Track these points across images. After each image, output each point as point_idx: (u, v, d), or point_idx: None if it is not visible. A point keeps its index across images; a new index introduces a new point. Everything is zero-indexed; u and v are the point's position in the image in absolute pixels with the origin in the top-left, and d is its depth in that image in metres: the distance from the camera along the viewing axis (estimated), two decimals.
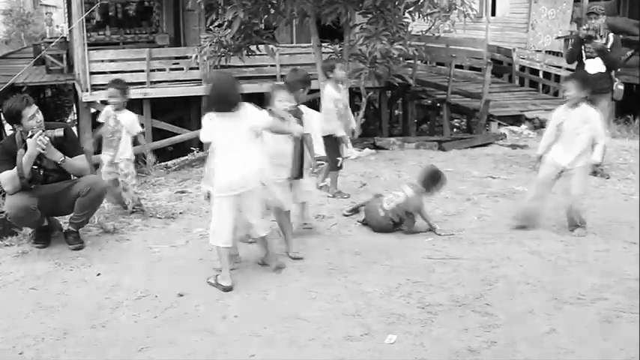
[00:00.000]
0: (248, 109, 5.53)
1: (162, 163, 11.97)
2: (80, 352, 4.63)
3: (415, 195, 6.92)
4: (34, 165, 6.19)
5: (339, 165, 8.36)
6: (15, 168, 6.16)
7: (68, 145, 6.40)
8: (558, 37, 19.26)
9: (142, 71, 15.68)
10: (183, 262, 6.17)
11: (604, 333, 4.90)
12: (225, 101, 5.42)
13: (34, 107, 6.22)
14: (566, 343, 4.75)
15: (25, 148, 6.13)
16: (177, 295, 5.45)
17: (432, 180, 7.03)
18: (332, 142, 8.32)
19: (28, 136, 6.12)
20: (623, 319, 5.10)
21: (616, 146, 11.50)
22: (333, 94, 8.24)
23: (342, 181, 9.04)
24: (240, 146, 5.45)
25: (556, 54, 18.83)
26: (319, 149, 11.28)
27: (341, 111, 8.33)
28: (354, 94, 13.43)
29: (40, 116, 6.24)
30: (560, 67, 17.41)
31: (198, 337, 4.79)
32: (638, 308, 5.26)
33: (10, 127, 12.39)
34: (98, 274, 5.94)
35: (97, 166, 13.17)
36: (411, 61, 16.65)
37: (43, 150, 6.10)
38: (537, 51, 19.26)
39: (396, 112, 21.29)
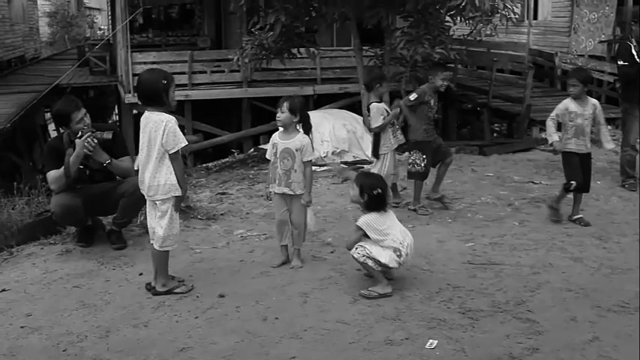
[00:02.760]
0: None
1: (203, 165, 12.09)
2: (122, 351, 4.68)
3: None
4: (80, 165, 6.29)
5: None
6: (62, 168, 6.26)
7: (116, 147, 6.48)
8: (601, 42, 19.00)
9: (184, 73, 15.80)
10: (224, 263, 6.22)
11: None
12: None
13: (83, 111, 6.32)
14: (609, 351, 4.68)
15: (74, 149, 6.23)
16: (218, 296, 5.50)
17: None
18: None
19: (78, 136, 6.22)
20: None
21: None
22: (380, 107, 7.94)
23: None
24: None
25: (599, 58, 18.57)
26: (359, 152, 11.32)
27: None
28: (392, 98, 13.37)
29: (87, 119, 6.34)
30: (603, 72, 17.17)
31: (238, 338, 4.82)
32: None
33: (54, 128, 12.60)
34: (140, 274, 6.02)
35: None
36: (452, 65, 16.54)
37: (91, 151, 6.19)
38: (580, 55, 19.01)
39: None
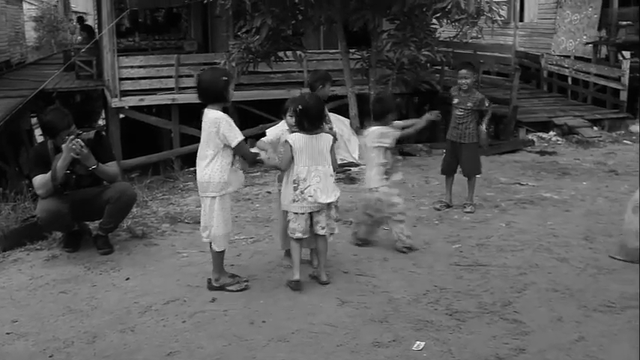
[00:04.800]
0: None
1: (191, 168, 12.05)
2: (109, 356, 4.67)
3: None
4: (66, 170, 6.27)
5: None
6: (48, 173, 6.24)
7: (100, 149, 6.48)
8: (588, 43, 19.10)
9: (171, 77, 15.80)
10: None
11: (634, 340, 4.85)
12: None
13: (73, 127, 6.33)
14: (595, 351, 4.71)
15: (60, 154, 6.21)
16: (210, 300, 5.49)
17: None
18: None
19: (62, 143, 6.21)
20: None
21: None
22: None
23: None
24: None
25: (584, 60, 18.66)
26: (346, 155, 11.32)
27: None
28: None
29: (73, 129, 6.34)
30: (589, 73, 17.27)
31: (225, 342, 4.81)
32: None
33: (40, 133, 12.54)
34: (127, 279, 6.00)
35: (125, 171, 13.37)
36: (439, 67, 16.60)
37: (78, 155, 6.17)
38: (565, 56, 19.09)
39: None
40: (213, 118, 5.37)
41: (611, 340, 4.87)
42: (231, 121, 5.40)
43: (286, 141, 5.64)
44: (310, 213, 5.66)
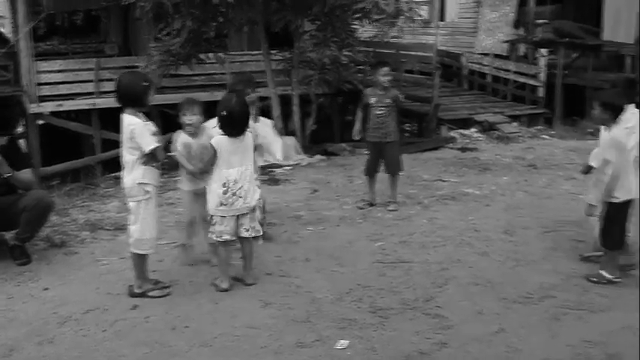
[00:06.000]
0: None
1: (112, 174, 11.82)
2: None
3: None
4: None
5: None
6: None
7: (14, 156, 6.30)
8: (506, 41, 19.53)
9: (91, 81, 15.48)
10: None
11: (552, 330, 4.99)
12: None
13: None
14: (515, 342, 4.82)
15: None
16: (131, 307, 5.40)
17: None
18: None
19: None
20: (570, 316, 5.21)
21: (564, 147, 11.72)
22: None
23: (294, 188, 9.06)
24: None
25: (505, 57, 19.08)
26: (270, 157, 11.29)
27: None
28: (304, 101, 13.44)
29: None
30: (508, 71, 17.66)
31: (147, 349, 4.74)
32: (584, 305, 5.38)
33: None
34: (45, 289, 5.84)
35: (45, 178, 13.03)
36: (361, 67, 16.72)
37: None
38: (486, 54, 19.49)
39: (348, 118, 21.30)
40: (128, 124, 5.32)
41: (530, 330, 4.99)
42: (145, 127, 5.34)
43: (210, 144, 5.59)
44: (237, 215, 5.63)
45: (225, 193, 5.52)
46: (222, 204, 5.54)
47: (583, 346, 4.74)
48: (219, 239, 5.63)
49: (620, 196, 5.65)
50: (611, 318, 5.18)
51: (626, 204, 5.72)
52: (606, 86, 9.12)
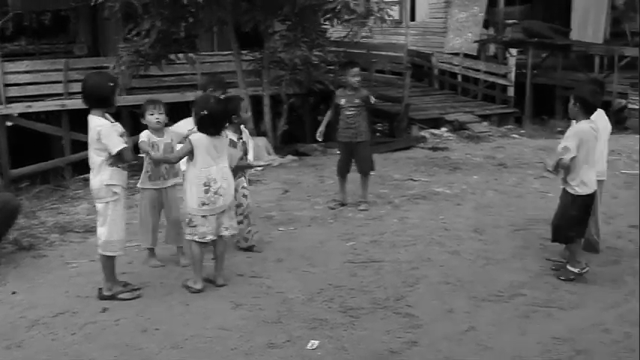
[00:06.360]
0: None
1: (82, 176, 11.71)
2: None
3: None
4: None
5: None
6: None
7: None
8: (476, 41, 19.65)
9: (60, 82, 15.32)
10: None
11: (521, 328, 5.03)
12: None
13: None
14: (485, 339, 4.85)
15: None
16: (101, 310, 5.35)
17: None
18: None
19: None
20: (539, 314, 5.26)
21: (533, 145, 11.82)
22: None
23: (265, 189, 9.04)
24: None
25: (474, 57, 19.18)
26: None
27: None
28: (276, 102, 13.42)
29: None
30: (478, 71, 17.78)
31: (117, 352, 4.70)
32: (554, 303, 5.43)
33: None
34: (13, 293, 5.78)
35: (14, 180, 12.88)
36: (332, 67, 16.74)
37: None
38: (456, 54, 19.59)
39: (319, 118, 21.32)
40: (94, 126, 5.29)
41: (500, 328, 5.03)
42: (112, 128, 5.30)
43: (188, 139, 5.57)
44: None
45: (206, 192, 5.51)
46: (204, 203, 5.52)
47: (552, 343, 4.79)
48: (202, 240, 5.60)
49: (580, 192, 5.75)
50: (580, 315, 5.24)
51: (586, 198, 5.80)
52: (576, 85, 9.23)
